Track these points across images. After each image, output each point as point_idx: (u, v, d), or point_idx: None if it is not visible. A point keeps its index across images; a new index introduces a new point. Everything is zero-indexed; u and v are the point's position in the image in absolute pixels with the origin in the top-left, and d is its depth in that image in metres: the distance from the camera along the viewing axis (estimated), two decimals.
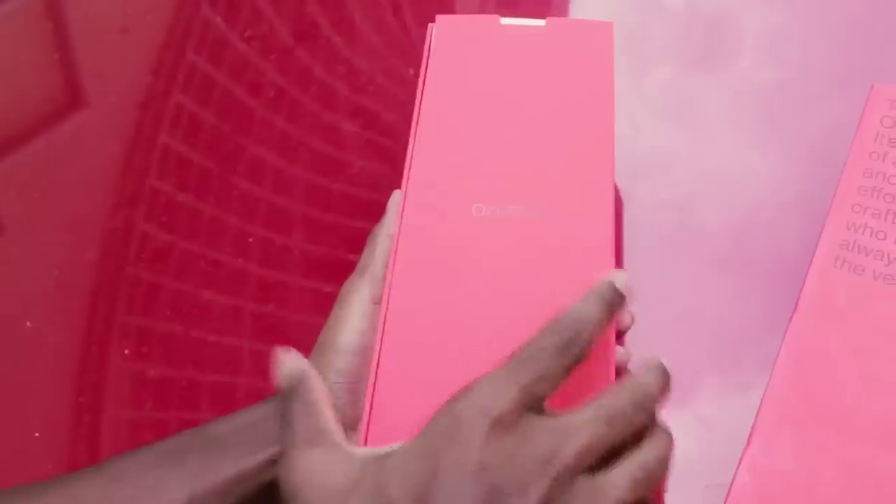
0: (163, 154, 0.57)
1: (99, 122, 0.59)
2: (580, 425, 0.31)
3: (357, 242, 0.50)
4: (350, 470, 0.32)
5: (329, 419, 0.33)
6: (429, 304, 0.37)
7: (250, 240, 0.52)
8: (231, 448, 0.35)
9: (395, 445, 0.32)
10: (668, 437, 0.33)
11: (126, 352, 0.51)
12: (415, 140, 0.41)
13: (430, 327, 0.37)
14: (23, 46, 0.61)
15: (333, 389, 0.36)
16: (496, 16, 0.43)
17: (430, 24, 0.44)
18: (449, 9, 0.58)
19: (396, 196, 0.40)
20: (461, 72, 0.43)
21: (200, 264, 0.53)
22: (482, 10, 0.57)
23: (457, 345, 0.36)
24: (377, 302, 0.38)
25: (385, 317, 0.37)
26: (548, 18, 0.43)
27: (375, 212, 0.52)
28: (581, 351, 0.33)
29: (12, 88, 0.61)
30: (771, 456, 0.40)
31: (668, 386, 0.34)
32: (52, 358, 0.51)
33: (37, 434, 0.49)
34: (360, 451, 0.33)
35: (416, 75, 0.56)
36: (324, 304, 0.51)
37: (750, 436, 0.41)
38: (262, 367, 0.50)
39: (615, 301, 0.35)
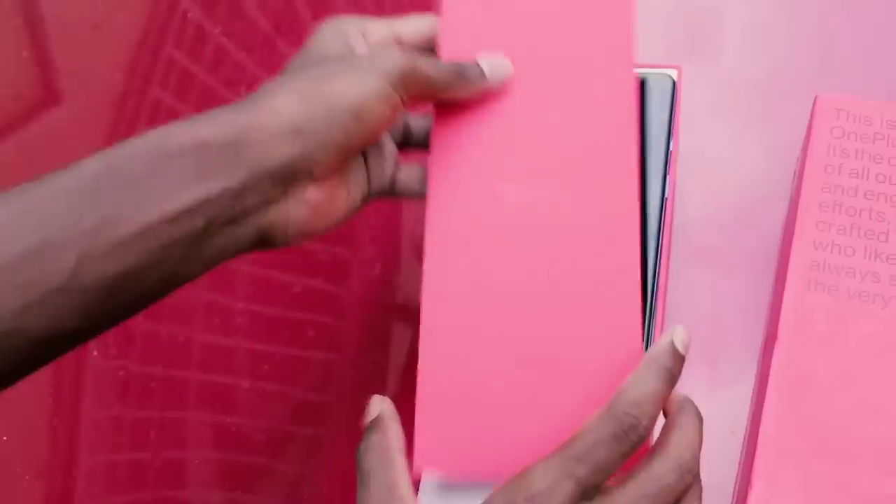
0: None
1: (73, 119, 0.58)
2: None
3: (335, 235, 0.49)
4: None
5: (401, 473, 0.34)
6: (462, 310, 0.36)
7: None
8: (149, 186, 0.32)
9: None
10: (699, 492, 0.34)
11: (94, 353, 0.50)
12: (435, 124, 0.39)
13: (467, 329, 0.36)
14: None
15: None
16: None
17: None
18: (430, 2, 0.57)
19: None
20: (473, 41, 0.39)
21: None
22: None
23: (495, 343, 0.36)
24: None
25: (422, 326, 0.36)
26: None
27: None
28: (640, 436, 0.32)
29: None
30: (776, 496, 0.38)
31: (701, 432, 0.34)
32: None
33: (4, 438, 0.48)
34: None
35: None
36: (304, 301, 0.50)
37: (750, 477, 0.38)
38: (250, 364, 0.50)
39: (676, 368, 0.34)
